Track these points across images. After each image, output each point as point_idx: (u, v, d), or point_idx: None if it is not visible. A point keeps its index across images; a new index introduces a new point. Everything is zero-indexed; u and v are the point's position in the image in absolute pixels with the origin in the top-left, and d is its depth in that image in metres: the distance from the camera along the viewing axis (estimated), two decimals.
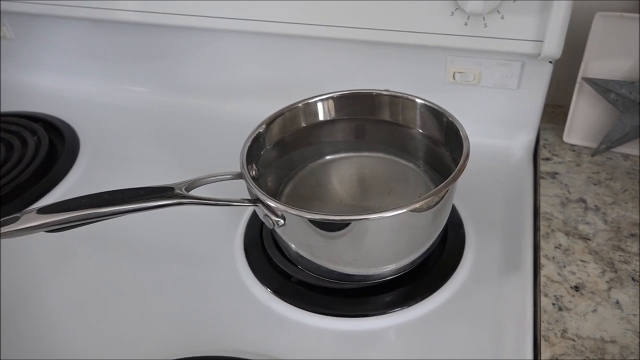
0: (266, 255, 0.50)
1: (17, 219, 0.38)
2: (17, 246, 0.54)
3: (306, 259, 0.45)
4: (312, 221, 0.40)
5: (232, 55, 0.69)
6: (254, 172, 0.47)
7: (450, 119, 0.46)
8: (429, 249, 0.46)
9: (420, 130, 0.50)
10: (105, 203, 0.39)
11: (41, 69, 0.81)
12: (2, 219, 0.39)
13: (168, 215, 0.50)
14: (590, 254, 0.46)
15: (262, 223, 0.52)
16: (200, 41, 0.70)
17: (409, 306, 0.45)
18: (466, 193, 0.53)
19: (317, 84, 0.54)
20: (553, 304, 0.42)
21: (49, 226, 0.38)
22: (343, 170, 0.53)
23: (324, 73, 0.66)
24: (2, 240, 0.54)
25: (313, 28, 0.59)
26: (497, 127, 0.62)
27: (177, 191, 0.42)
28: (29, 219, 0.38)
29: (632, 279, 0.44)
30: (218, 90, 0.73)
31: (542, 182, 0.54)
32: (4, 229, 0.38)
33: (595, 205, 0.51)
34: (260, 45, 0.67)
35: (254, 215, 0.54)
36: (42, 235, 0.42)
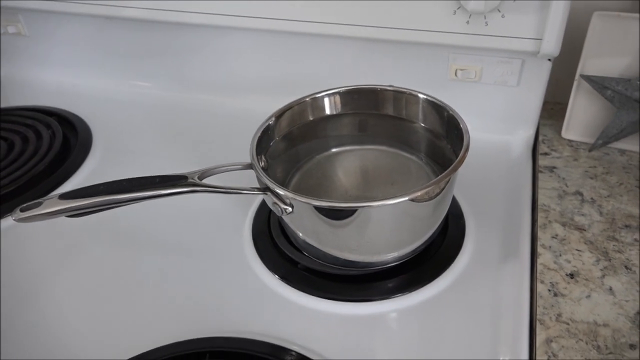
0: (274, 244, 0.52)
1: (40, 204, 0.40)
2: (22, 238, 0.56)
3: (312, 246, 0.46)
4: (318, 208, 0.42)
5: (238, 52, 0.71)
6: (262, 163, 0.48)
7: (451, 112, 0.48)
8: (430, 237, 0.48)
9: (423, 124, 0.52)
10: (123, 190, 0.41)
11: (55, 65, 0.83)
12: (25, 204, 0.41)
13: (178, 206, 0.51)
14: (585, 243, 0.48)
15: (270, 213, 0.54)
16: (207, 38, 0.71)
17: (410, 292, 0.46)
18: (467, 186, 0.55)
19: (323, 80, 0.55)
20: (549, 290, 0.44)
21: (70, 211, 0.41)
22: (348, 162, 0.55)
23: (330, 70, 0.67)
24: (7, 230, 0.56)
25: (319, 26, 0.60)
26: (498, 122, 0.63)
27: (191, 179, 0.43)
28: (51, 204, 0.40)
29: (625, 267, 0.45)
30: (225, 86, 0.75)
31: (540, 176, 0.55)
32: (28, 213, 0.40)
33: (592, 198, 0.52)
34: (267, 43, 0.68)
35: (262, 205, 0.56)
36: (48, 226, 0.43)
